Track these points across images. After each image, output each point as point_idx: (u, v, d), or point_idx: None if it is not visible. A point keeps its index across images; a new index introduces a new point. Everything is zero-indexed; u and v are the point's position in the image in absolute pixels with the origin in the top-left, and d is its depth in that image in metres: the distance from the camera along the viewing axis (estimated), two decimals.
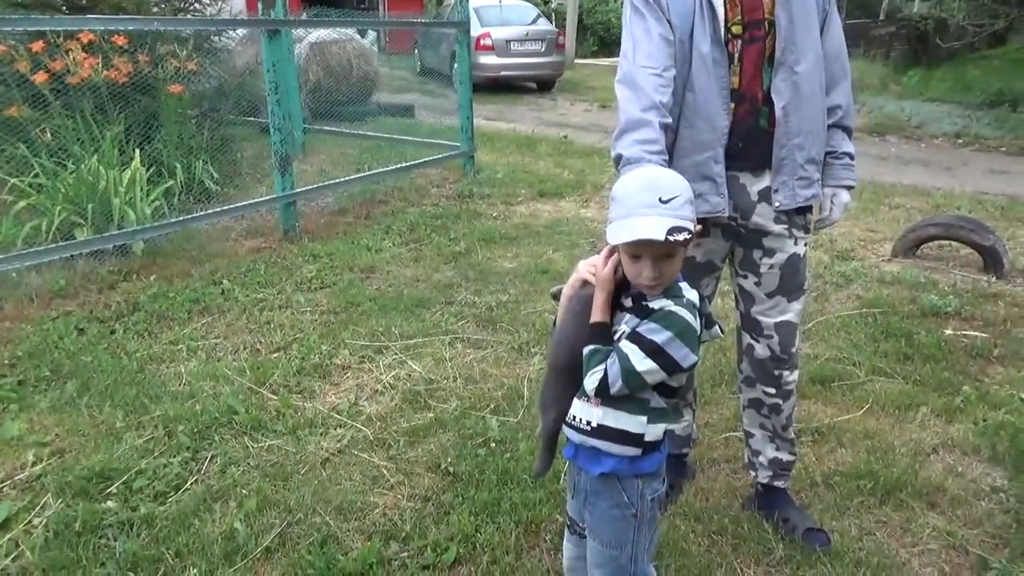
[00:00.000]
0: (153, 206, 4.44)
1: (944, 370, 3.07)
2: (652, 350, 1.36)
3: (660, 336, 1.36)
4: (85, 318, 3.48)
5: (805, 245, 1.98)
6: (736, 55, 1.79)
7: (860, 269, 4.23)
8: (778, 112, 1.81)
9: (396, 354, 3.21)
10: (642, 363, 1.36)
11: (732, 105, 1.82)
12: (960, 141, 9.12)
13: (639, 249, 1.37)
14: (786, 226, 1.92)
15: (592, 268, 1.47)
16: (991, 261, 4.16)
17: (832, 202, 1.98)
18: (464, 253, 4.54)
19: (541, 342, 3.30)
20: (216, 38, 6.49)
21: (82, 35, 4.72)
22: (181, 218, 4.38)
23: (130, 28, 4.50)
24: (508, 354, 3.22)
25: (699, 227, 1.43)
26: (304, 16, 10.69)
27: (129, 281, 3.94)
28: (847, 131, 1.97)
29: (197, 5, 6.35)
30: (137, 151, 4.56)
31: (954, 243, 4.43)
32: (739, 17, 1.78)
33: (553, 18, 19.61)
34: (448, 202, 5.70)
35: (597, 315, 1.45)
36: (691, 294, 1.42)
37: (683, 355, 1.37)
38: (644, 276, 1.39)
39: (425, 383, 2.97)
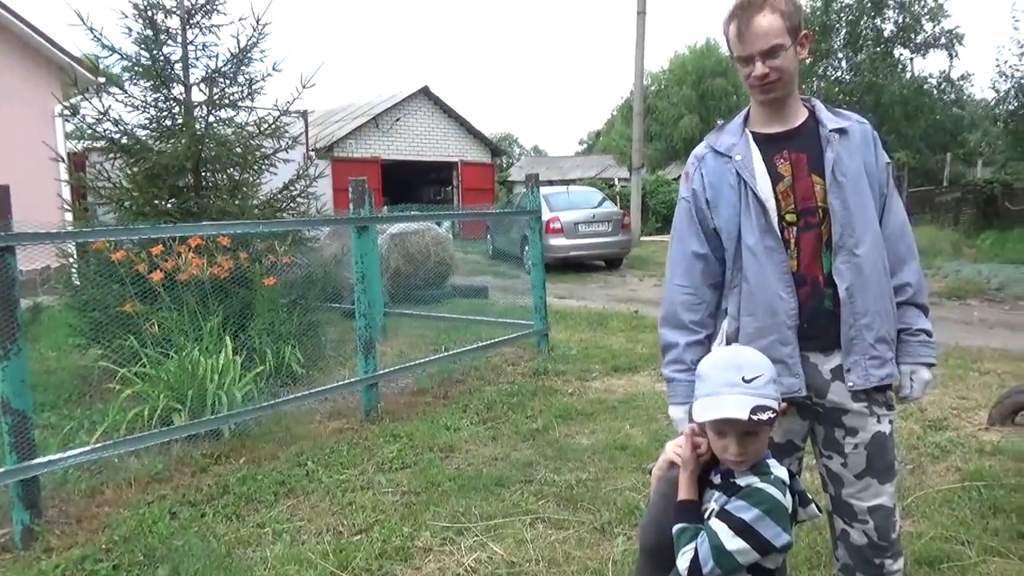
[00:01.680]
0: (244, 390, 4.69)
1: None
2: (741, 528, 1.36)
3: (748, 514, 1.36)
4: (178, 501, 3.60)
5: (890, 423, 1.95)
6: (792, 241, 1.89)
7: (956, 439, 4.04)
8: (842, 294, 1.86)
9: (477, 535, 3.17)
10: (731, 541, 1.35)
11: (793, 289, 1.89)
12: None
13: (724, 426, 1.42)
14: (865, 404, 1.91)
15: (679, 449, 1.51)
16: None
17: (912, 379, 1.95)
18: (541, 430, 4.56)
19: (624, 522, 3.22)
20: (308, 232, 7.10)
21: (192, 239, 5.26)
22: (269, 402, 4.58)
23: (238, 231, 5.00)
24: (590, 535, 3.15)
25: (784, 406, 1.48)
26: (386, 211, 11.60)
27: (220, 464, 4.09)
28: (921, 308, 1.98)
29: (292, 205, 7.01)
30: (229, 339, 4.89)
31: None
32: (792, 206, 1.89)
33: (618, 200, 20.60)
34: (524, 379, 5.80)
35: (683, 493, 1.47)
36: (780, 471, 1.44)
37: (774, 533, 1.36)
38: (730, 452, 1.43)
39: (507, 566, 2.91)
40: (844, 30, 24.13)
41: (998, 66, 12.49)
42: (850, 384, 1.88)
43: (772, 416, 1.40)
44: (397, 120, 24.02)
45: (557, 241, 13.22)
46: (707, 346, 2.01)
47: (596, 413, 4.86)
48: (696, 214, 2.01)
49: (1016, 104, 11.54)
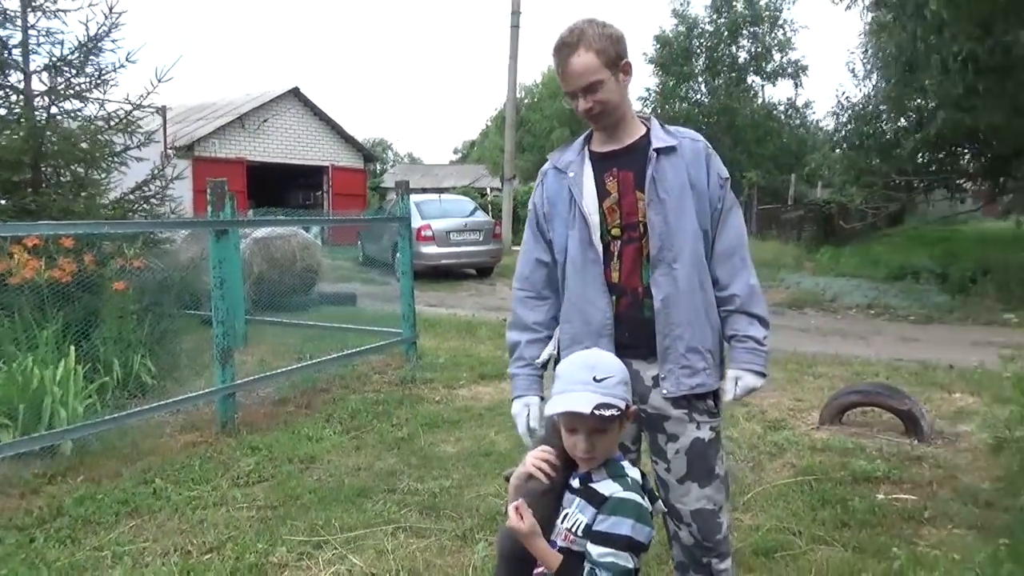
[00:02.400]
0: (86, 403, 4.36)
1: (880, 535, 3.14)
2: (628, 545, 1.42)
3: (625, 527, 1.43)
4: (2, 527, 3.29)
5: (711, 429, 2.04)
6: (616, 254, 2.01)
7: (792, 438, 4.37)
8: (657, 305, 1.97)
9: (336, 548, 3.11)
10: (627, 561, 1.42)
11: (614, 299, 2.00)
12: (872, 312, 9.77)
13: (573, 422, 1.48)
14: (685, 410, 2.00)
15: (538, 462, 1.55)
16: (911, 425, 4.36)
17: (736, 384, 2.01)
18: (406, 439, 4.53)
19: (485, 528, 3.26)
20: (162, 234, 6.71)
21: (28, 239, 4.84)
22: (112, 415, 4.29)
23: (79, 232, 4.65)
24: (452, 542, 3.16)
25: (634, 409, 1.56)
26: (251, 214, 11.14)
27: (55, 484, 3.78)
28: (752, 316, 2.04)
29: (146, 206, 6.60)
30: (72, 348, 4.54)
31: (876, 409, 4.65)
32: (618, 220, 2.00)
33: (490, 209, 20.83)
34: (390, 388, 5.74)
35: (546, 563, 1.49)
36: (634, 472, 1.52)
37: (647, 535, 1.45)
38: (579, 449, 1.50)
39: None
40: (704, 56, 25.67)
41: (837, 99, 13.76)
42: (664, 392, 1.99)
43: (616, 414, 1.47)
44: (265, 121, 23.16)
45: (428, 249, 13.20)
46: (551, 320, 2.14)
47: (462, 421, 4.89)
48: (537, 225, 2.15)
49: (849, 132, 12.70)
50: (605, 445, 1.51)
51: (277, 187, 24.59)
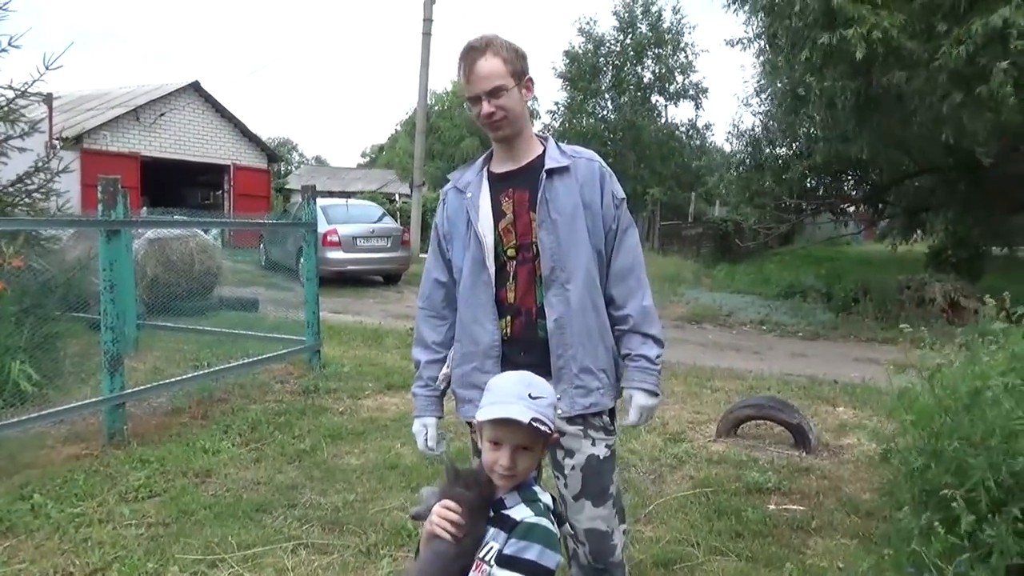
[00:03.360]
0: None
1: (771, 545, 3.29)
2: (533, 571, 1.41)
3: (532, 552, 1.42)
4: None
5: (607, 448, 2.06)
6: (511, 274, 2.03)
7: (691, 450, 4.53)
8: (550, 325, 1.99)
9: (232, 567, 2.98)
10: None
11: (507, 319, 2.03)
12: (764, 328, 10.27)
13: (500, 435, 1.48)
14: (581, 427, 2.02)
15: (442, 521, 1.46)
16: (800, 438, 4.61)
17: (629, 404, 2.06)
18: (309, 451, 4.41)
19: (390, 543, 3.21)
20: (46, 232, 6.28)
21: None
22: None
23: None
24: (355, 558, 3.09)
25: (556, 436, 1.57)
26: (144, 211, 10.59)
27: None
28: (645, 336, 2.06)
29: (28, 200, 6.18)
30: None
31: (768, 422, 4.88)
32: (513, 241, 2.03)
33: (398, 216, 20.62)
34: (292, 398, 5.58)
35: None
36: (545, 497, 1.52)
37: (555, 562, 1.45)
38: (499, 464, 1.49)
39: None
40: (611, 73, 26.36)
41: (734, 124, 14.57)
42: (559, 411, 1.95)
43: (547, 432, 1.49)
44: (162, 115, 22.08)
45: (335, 254, 12.92)
46: (446, 340, 2.18)
47: (367, 432, 4.80)
48: (439, 245, 2.19)
49: (744, 155, 13.39)
50: (525, 465, 1.51)
51: (173, 184, 23.45)
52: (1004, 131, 8.47)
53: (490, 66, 1.95)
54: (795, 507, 3.72)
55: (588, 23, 26.05)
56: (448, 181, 2.19)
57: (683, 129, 27.81)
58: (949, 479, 2.33)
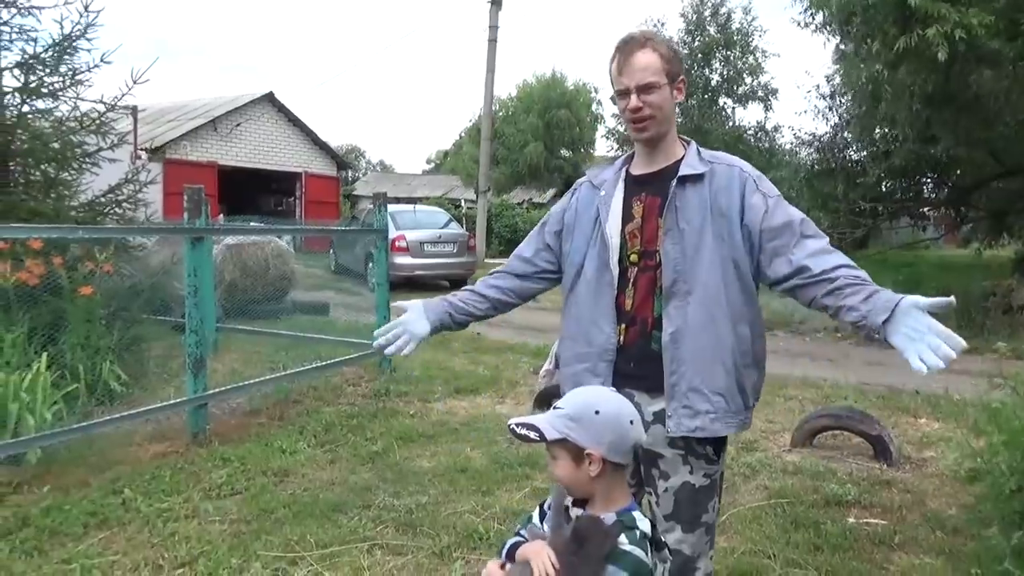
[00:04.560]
0: (53, 410, 4.26)
1: (852, 559, 3.19)
2: None
3: None
4: None
5: (706, 477, 1.94)
6: (632, 280, 1.96)
7: (764, 460, 4.43)
8: (666, 338, 1.90)
9: (312, 565, 3.07)
10: None
11: (622, 326, 1.96)
12: (839, 335, 9.95)
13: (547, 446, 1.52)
14: (682, 452, 1.92)
15: (542, 567, 1.44)
16: (880, 449, 4.45)
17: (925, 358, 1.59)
18: (381, 453, 4.50)
19: (463, 545, 3.25)
20: (133, 239, 6.60)
21: None
22: (81, 424, 4.19)
23: (55, 236, 4.55)
24: (429, 560, 3.14)
25: (596, 453, 1.47)
26: (222, 219, 11.00)
27: (20, 493, 3.68)
28: (852, 269, 1.80)
29: (118, 210, 6.49)
30: (44, 354, 4.43)
31: (846, 432, 4.73)
32: (638, 247, 1.96)
33: (463, 221, 20.84)
34: (364, 401, 5.70)
35: None
36: (644, 524, 1.49)
37: None
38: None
39: None
40: None
41: (795, 134, 14.33)
42: (668, 430, 1.91)
43: (535, 438, 1.49)
44: (238, 125, 22.93)
45: (402, 260, 13.14)
46: (497, 292, 2.21)
47: (437, 435, 4.87)
48: (542, 228, 2.20)
49: (815, 161, 13.05)
50: (560, 473, 1.52)
51: (248, 192, 24.33)
52: None
53: (646, 60, 1.90)
54: (876, 521, 3.60)
55: (656, 25, 25.82)
56: (584, 176, 2.18)
57: (751, 132, 27.26)
58: None
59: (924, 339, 1.60)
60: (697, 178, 1.93)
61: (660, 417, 1.92)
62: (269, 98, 24.06)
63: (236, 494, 3.82)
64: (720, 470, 2.01)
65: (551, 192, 35.21)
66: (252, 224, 7.91)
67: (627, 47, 1.93)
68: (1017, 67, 7.32)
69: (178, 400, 4.71)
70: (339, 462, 4.34)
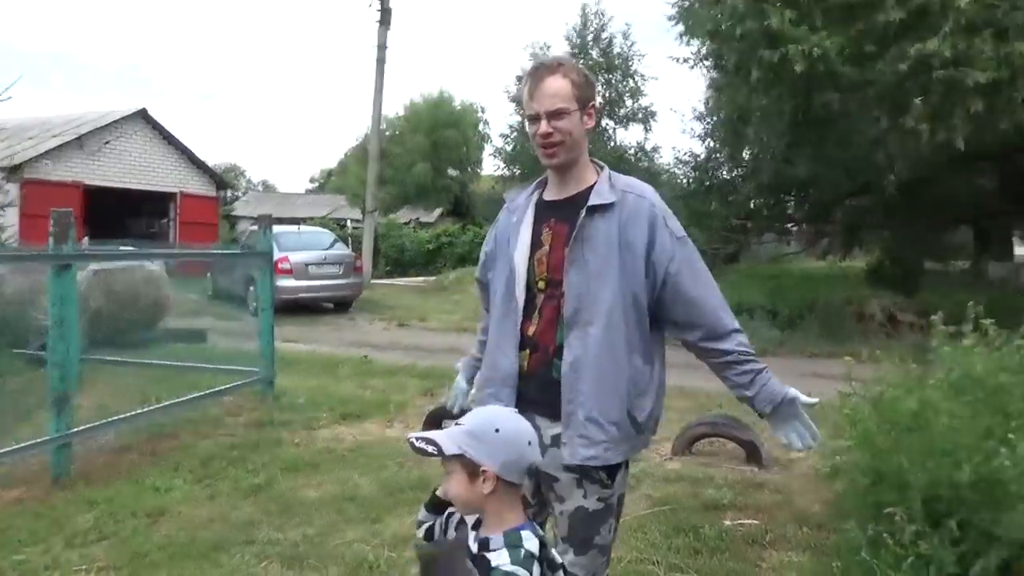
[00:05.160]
0: None
1: (729, 560, 3.36)
2: None
3: None
4: None
5: (600, 501, 1.95)
6: (538, 307, 1.99)
7: (648, 469, 4.60)
8: (565, 367, 1.91)
9: None
10: None
11: (526, 352, 1.98)
12: None
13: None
14: (576, 476, 1.93)
15: None
16: (752, 454, 4.72)
17: (791, 434, 1.96)
18: (264, 485, 4.34)
19: None
20: None
21: None
22: None
23: None
24: None
25: (489, 470, 1.48)
26: (86, 242, 10.31)
27: None
28: (747, 356, 1.93)
29: None
30: None
31: (721, 439, 4.98)
32: (545, 274, 1.97)
33: (350, 242, 20.49)
34: (246, 431, 5.48)
35: None
36: (531, 543, 1.49)
37: None
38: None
39: None
40: None
41: (675, 156, 15.16)
42: (563, 457, 1.93)
43: (433, 452, 1.50)
44: (107, 143, 21.60)
45: (286, 282, 12.75)
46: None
47: (323, 463, 4.75)
48: (484, 256, 2.24)
49: (691, 180, 13.77)
50: (451, 489, 1.54)
51: (117, 213, 22.89)
52: (927, 156, 8.90)
53: (557, 86, 1.91)
54: (750, 521, 3.81)
55: (541, 49, 26.47)
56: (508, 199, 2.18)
57: (632, 152, 28.34)
58: (892, 495, 2.43)
59: (795, 427, 1.96)
60: (607, 208, 1.93)
61: (558, 441, 1.94)
62: (142, 115, 22.84)
63: (104, 539, 3.58)
64: (617, 493, 2.01)
65: (438, 211, 35.26)
66: (123, 248, 7.45)
67: (538, 72, 1.95)
68: (864, 93, 8.02)
69: (37, 440, 4.36)
70: (219, 497, 4.15)
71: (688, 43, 11.27)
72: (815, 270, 17.84)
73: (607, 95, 26.96)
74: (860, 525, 2.77)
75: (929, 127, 7.54)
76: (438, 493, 1.63)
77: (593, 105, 1.98)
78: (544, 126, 1.92)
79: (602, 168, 2.04)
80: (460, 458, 1.50)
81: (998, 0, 7.17)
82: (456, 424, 1.55)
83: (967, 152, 8.58)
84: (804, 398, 1.93)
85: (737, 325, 1.97)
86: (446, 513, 1.66)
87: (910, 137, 8.06)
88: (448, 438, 1.51)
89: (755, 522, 3.80)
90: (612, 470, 1.96)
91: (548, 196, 2.06)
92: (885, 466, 2.53)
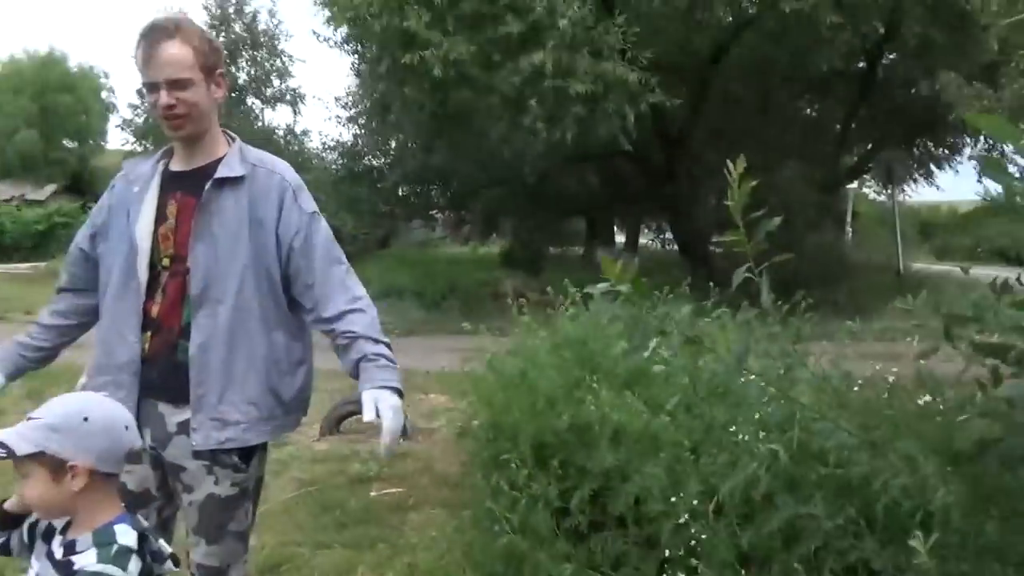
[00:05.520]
0: None
1: (374, 528, 3.52)
2: None
3: None
4: None
5: (234, 486, 1.87)
6: (162, 286, 1.84)
7: (295, 453, 4.58)
8: (193, 349, 1.81)
9: None
10: None
11: (147, 335, 1.83)
12: None
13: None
14: (207, 463, 1.83)
15: None
16: None
17: (378, 406, 1.74)
18: None
19: None
20: None
21: None
22: None
23: None
24: None
25: (80, 466, 1.34)
26: None
27: None
28: (376, 340, 1.85)
29: None
30: None
31: None
32: (170, 250, 1.84)
33: None
34: None
35: None
36: (126, 538, 1.37)
37: None
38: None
39: None
40: None
41: (323, 141, 15.13)
42: (193, 443, 1.82)
43: (2, 455, 1.32)
44: None
45: None
46: (58, 318, 2.00)
47: None
48: (90, 227, 1.97)
49: (339, 167, 13.87)
50: (34, 495, 1.36)
51: None
52: (544, 154, 10.18)
53: (176, 53, 1.74)
54: (395, 490, 4.03)
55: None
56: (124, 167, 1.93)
57: (281, 134, 27.46)
58: (508, 445, 2.77)
59: (383, 414, 1.74)
60: (236, 181, 1.84)
61: (184, 428, 1.82)
62: None
63: None
64: (254, 477, 1.94)
65: (51, 188, 30.34)
66: None
67: (153, 36, 1.76)
68: (491, 95, 8.86)
69: None
70: None
71: (335, 30, 11.27)
72: (460, 255, 19.25)
73: (252, 72, 25.72)
74: (485, 477, 3.11)
75: (545, 128, 8.63)
76: (7, 506, 1.43)
77: (221, 72, 1.85)
78: (165, 97, 1.76)
79: (234, 140, 1.94)
80: (39, 457, 1.32)
81: (593, 23, 8.46)
82: (29, 417, 1.36)
83: (577, 153, 10.05)
84: (370, 416, 1.75)
85: (358, 306, 1.88)
86: (27, 523, 1.45)
87: (530, 136, 9.12)
88: (19, 436, 1.32)
89: (400, 490, 4.03)
90: (247, 453, 1.88)
91: (175, 167, 1.91)
92: (502, 421, 2.87)
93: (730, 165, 1.42)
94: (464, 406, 5.44)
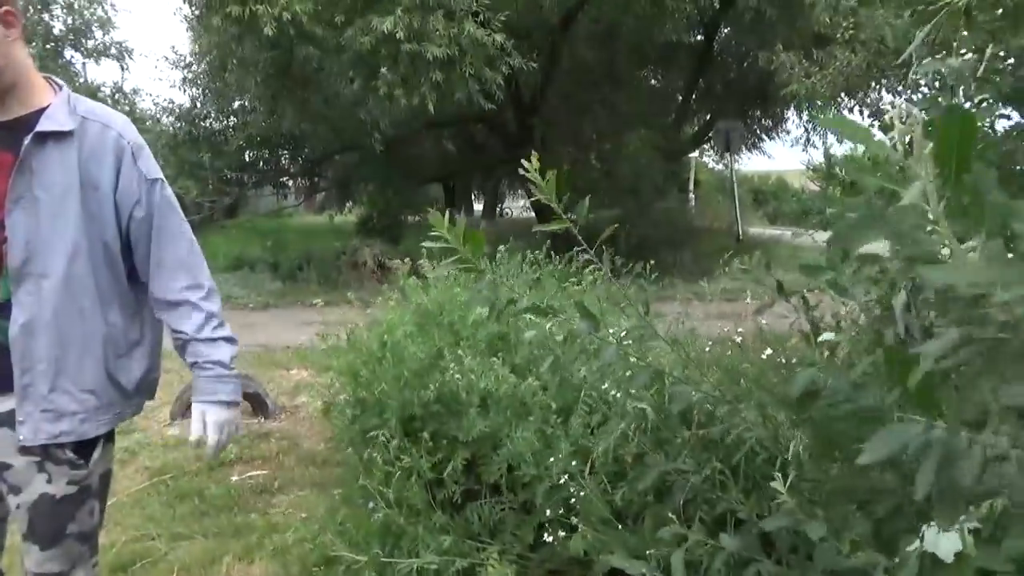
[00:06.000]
0: None
1: (237, 514, 3.37)
2: None
3: None
4: None
5: (72, 484, 1.68)
6: None
7: (144, 440, 4.28)
8: (15, 330, 1.60)
9: None
10: None
11: None
12: (229, 304, 10.18)
13: None
14: (37, 460, 1.64)
15: None
16: (258, 405, 4.76)
17: (204, 421, 1.70)
18: None
19: None
20: None
21: None
22: None
23: None
24: None
25: None
26: None
27: None
28: (212, 340, 1.74)
29: None
30: None
31: None
32: None
33: None
34: None
35: None
36: None
37: None
38: None
39: None
40: None
41: (155, 102, 13.96)
42: (20, 437, 1.62)
43: None
44: None
45: None
46: None
47: None
48: None
49: (177, 130, 12.86)
50: None
51: None
52: (402, 118, 9.97)
53: None
54: (258, 473, 3.86)
55: None
56: None
57: (109, 92, 25.13)
58: (375, 420, 2.72)
59: (203, 422, 1.73)
60: (63, 136, 1.59)
61: (9, 419, 1.61)
62: None
63: None
64: (97, 472, 1.74)
65: None
66: None
67: None
68: (340, 56, 8.51)
69: None
70: None
71: None
72: (315, 224, 18.58)
73: (70, 22, 23.27)
74: (355, 451, 3.04)
75: (403, 92, 8.43)
76: None
77: (8, 10, 1.56)
78: None
79: (60, 88, 1.68)
80: None
81: None
82: None
83: (435, 119, 9.85)
84: (197, 433, 1.73)
85: (194, 299, 1.74)
86: None
87: (385, 101, 8.88)
88: None
89: (264, 472, 3.87)
90: (85, 446, 1.69)
91: None
92: (368, 395, 2.81)
93: (533, 160, 1.47)
94: (327, 380, 5.31)
